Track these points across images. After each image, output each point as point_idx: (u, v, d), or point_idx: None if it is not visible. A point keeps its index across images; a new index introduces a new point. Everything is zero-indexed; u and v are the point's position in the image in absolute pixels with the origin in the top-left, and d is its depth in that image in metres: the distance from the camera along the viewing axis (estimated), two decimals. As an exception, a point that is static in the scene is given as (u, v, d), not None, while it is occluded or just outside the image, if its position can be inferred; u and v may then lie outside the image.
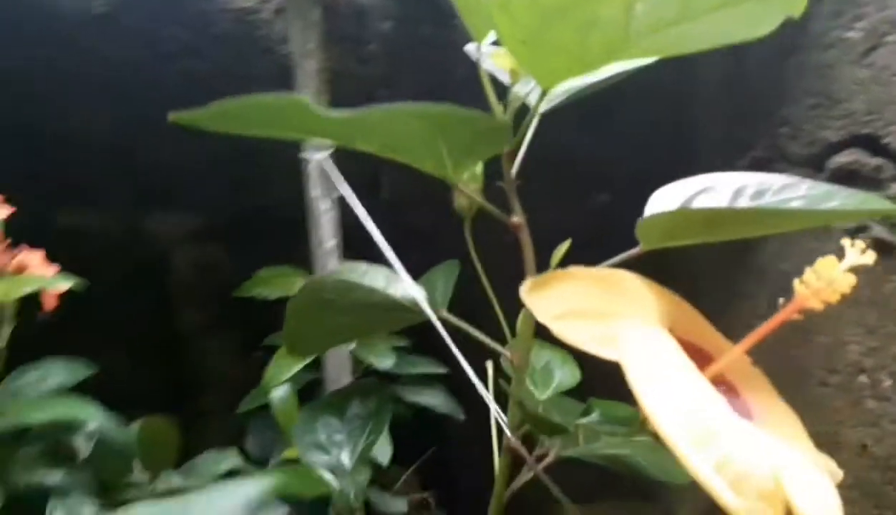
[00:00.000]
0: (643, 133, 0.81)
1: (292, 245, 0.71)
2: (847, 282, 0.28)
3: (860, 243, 0.28)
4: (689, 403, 0.24)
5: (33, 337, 0.51)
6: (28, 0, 0.75)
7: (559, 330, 0.26)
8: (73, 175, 0.83)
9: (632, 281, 0.31)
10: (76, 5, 0.77)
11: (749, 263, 0.71)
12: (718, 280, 0.76)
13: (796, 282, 0.28)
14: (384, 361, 0.69)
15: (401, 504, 0.70)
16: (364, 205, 0.43)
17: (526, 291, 0.28)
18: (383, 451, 0.63)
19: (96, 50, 0.79)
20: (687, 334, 0.32)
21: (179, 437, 0.57)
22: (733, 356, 0.30)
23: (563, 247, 0.40)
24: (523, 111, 0.44)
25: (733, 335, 0.33)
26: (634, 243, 0.34)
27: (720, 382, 0.31)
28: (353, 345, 0.69)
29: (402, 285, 0.41)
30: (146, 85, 0.80)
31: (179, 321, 0.92)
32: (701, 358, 0.32)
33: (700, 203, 0.34)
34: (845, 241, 0.28)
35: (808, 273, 0.28)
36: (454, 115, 0.31)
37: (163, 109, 0.25)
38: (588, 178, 0.87)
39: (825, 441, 0.59)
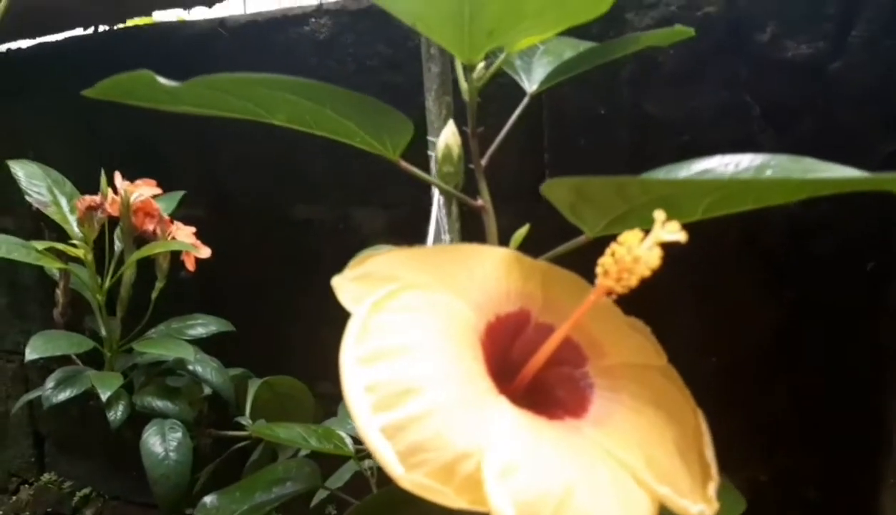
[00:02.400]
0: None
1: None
2: (654, 260, 0.23)
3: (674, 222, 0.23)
4: (396, 366, 0.23)
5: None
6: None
7: (337, 284, 0.27)
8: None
9: (476, 257, 0.30)
10: (310, 36, 0.91)
11: None
12: None
13: (600, 261, 0.24)
14: None
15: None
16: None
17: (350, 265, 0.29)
18: None
19: (319, 69, 0.94)
20: (546, 316, 0.30)
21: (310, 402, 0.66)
22: (552, 342, 0.27)
23: (522, 231, 0.38)
24: (514, 95, 0.43)
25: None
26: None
27: (555, 374, 0.28)
28: None
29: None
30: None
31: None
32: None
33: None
34: (658, 213, 0.23)
35: (613, 247, 0.24)
36: (360, 102, 0.33)
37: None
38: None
39: None
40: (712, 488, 0.27)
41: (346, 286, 0.27)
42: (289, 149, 0.88)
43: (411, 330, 0.24)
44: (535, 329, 0.30)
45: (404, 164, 0.37)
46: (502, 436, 0.23)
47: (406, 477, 0.21)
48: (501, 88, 0.46)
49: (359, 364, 0.23)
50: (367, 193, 0.88)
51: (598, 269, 0.24)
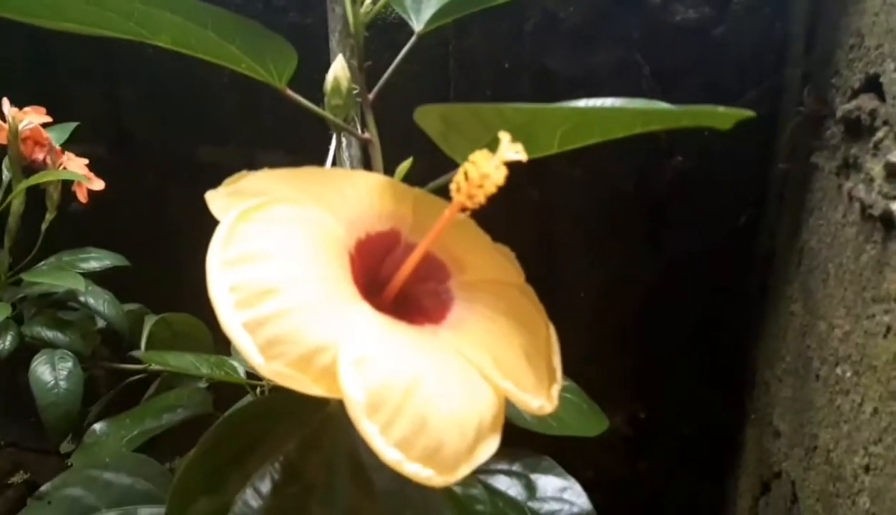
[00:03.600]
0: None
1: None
2: (500, 177, 0.26)
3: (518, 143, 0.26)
4: (258, 269, 0.25)
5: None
6: None
7: (210, 197, 0.28)
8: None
9: (351, 180, 0.31)
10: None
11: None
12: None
13: (454, 179, 0.27)
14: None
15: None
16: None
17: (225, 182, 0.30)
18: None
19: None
20: (415, 236, 0.32)
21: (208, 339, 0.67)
22: (414, 256, 0.29)
23: (406, 164, 0.40)
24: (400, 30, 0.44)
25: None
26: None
27: (419, 287, 0.31)
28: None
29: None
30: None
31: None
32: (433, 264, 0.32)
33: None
34: (502, 134, 0.26)
35: (465, 166, 0.26)
36: (244, 25, 0.34)
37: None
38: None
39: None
40: (555, 389, 0.30)
41: (219, 199, 0.28)
42: (197, 88, 0.86)
43: (276, 237, 0.26)
44: (405, 247, 0.32)
45: (290, 93, 0.38)
46: (359, 332, 0.25)
47: (265, 366, 0.23)
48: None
49: (223, 266, 0.25)
50: (275, 137, 0.87)
51: (452, 186, 0.27)
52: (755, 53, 0.66)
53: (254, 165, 0.88)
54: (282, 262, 0.25)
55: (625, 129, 0.29)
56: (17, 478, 1.06)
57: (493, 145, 0.31)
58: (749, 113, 0.26)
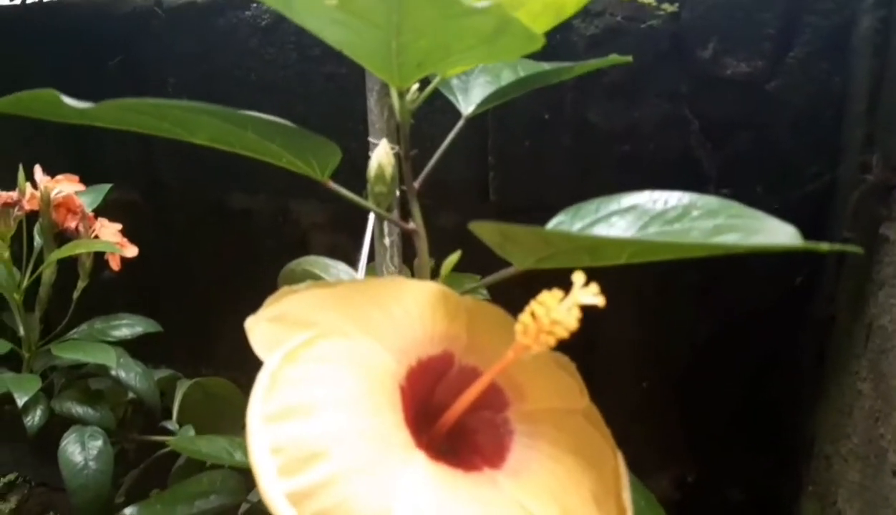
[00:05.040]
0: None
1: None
2: (573, 321, 0.23)
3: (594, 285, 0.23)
4: (304, 426, 0.22)
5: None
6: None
7: (250, 326, 0.26)
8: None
9: (400, 295, 0.29)
10: (250, 22, 0.88)
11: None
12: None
13: (520, 319, 0.24)
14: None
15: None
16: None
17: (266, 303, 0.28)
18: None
19: (259, 54, 0.91)
20: (470, 358, 0.29)
21: (241, 402, 0.65)
22: (472, 391, 0.26)
23: (454, 258, 0.38)
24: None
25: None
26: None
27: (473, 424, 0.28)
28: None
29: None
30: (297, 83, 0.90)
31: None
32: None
33: (610, 224, 0.30)
34: (576, 276, 0.23)
35: (533, 306, 0.24)
36: (284, 127, 0.32)
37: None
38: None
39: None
40: (626, 532, 0.28)
41: (260, 328, 0.26)
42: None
43: (324, 384, 0.24)
44: (459, 371, 0.29)
45: (332, 185, 0.36)
46: (412, 498, 0.22)
47: (309, 544, 0.21)
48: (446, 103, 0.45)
49: (265, 422, 0.22)
50: (308, 185, 0.86)
51: (518, 327, 0.24)
52: (811, 109, 0.63)
53: (286, 214, 0.86)
54: (330, 416, 0.23)
55: (699, 253, 0.26)
56: (47, 518, 1.06)
57: (553, 258, 0.28)
58: (824, 246, 0.23)
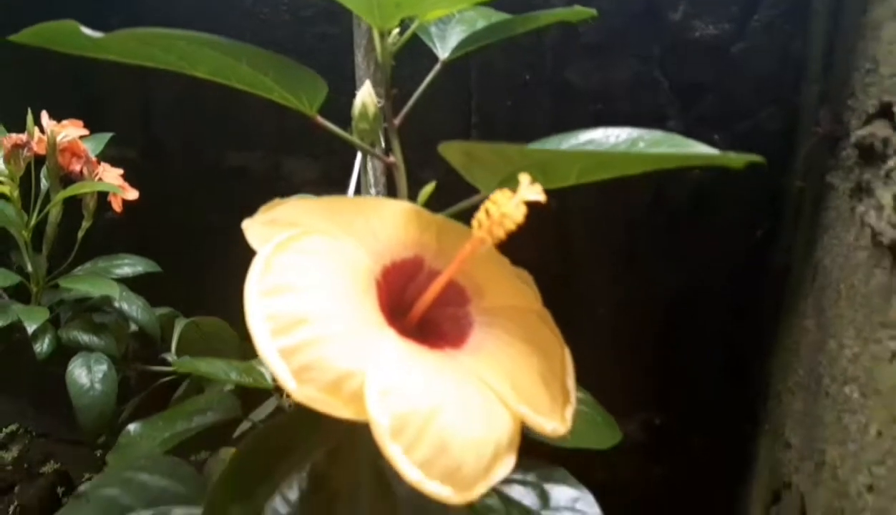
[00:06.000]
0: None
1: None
2: (520, 215, 0.27)
3: (538, 185, 0.27)
4: (292, 299, 0.27)
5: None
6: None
7: (247, 227, 0.30)
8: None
9: (378, 209, 0.33)
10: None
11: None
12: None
13: (475, 216, 0.28)
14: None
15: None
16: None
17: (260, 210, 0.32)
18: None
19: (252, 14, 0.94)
20: (438, 263, 0.34)
21: (236, 342, 0.69)
22: (437, 285, 0.31)
23: (429, 188, 0.42)
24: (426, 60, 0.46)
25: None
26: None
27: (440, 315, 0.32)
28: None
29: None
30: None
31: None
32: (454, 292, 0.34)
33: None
34: (522, 176, 0.27)
35: (485, 205, 0.28)
36: (276, 60, 0.36)
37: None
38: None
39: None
40: (570, 411, 0.32)
41: (255, 228, 0.30)
42: (223, 95, 0.89)
43: (309, 269, 0.28)
44: (427, 274, 0.34)
45: (320, 120, 0.40)
46: (384, 360, 0.27)
47: (298, 391, 0.25)
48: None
49: (261, 296, 0.27)
50: (300, 143, 0.89)
51: (473, 223, 0.28)
52: (774, 70, 0.67)
53: (280, 170, 0.90)
54: (314, 294, 0.27)
55: (639, 168, 0.30)
56: (48, 468, 1.10)
57: (513, 178, 0.32)
58: (758, 158, 0.27)
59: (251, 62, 0.35)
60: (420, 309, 0.32)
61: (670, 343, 0.80)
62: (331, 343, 0.26)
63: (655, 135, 0.33)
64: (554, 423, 0.30)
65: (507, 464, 0.28)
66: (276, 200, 0.32)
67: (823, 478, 0.50)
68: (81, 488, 0.45)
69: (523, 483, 0.50)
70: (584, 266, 0.79)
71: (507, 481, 0.49)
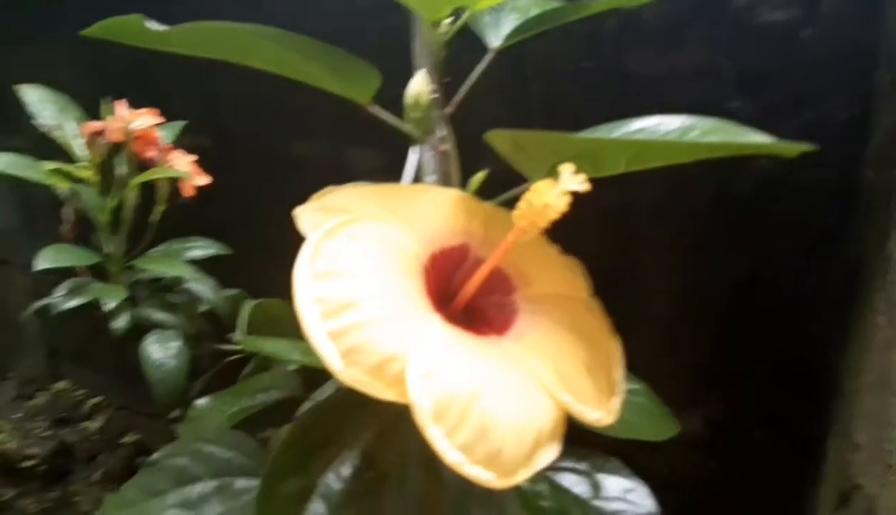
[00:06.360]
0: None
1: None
2: (562, 205, 0.28)
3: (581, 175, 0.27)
4: (341, 284, 0.28)
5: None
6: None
7: (299, 213, 0.32)
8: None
9: (428, 196, 0.34)
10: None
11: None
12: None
13: (517, 206, 0.29)
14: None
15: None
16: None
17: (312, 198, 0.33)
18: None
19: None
20: (484, 251, 0.34)
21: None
22: (482, 272, 0.31)
23: (481, 175, 0.43)
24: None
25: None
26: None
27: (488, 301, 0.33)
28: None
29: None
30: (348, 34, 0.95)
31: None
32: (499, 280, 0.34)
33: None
34: (564, 166, 0.28)
35: (528, 195, 0.28)
36: (330, 51, 0.37)
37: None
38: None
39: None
40: (615, 402, 0.32)
41: (307, 215, 0.32)
42: (287, 86, 0.91)
43: (358, 254, 0.29)
44: (473, 262, 0.34)
45: (374, 109, 0.41)
46: (427, 344, 0.28)
47: (344, 372, 0.26)
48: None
49: (310, 280, 0.28)
50: (362, 133, 0.91)
51: (515, 212, 0.29)
52: (845, 56, 0.64)
53: (342, 159, 0.92)
54: (362, 278, 0.28)
55: (691, 156, 0.30)
56: (128, 439, 1.16)
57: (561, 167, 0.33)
58: (812, 147, 0.27)
59: (307, 53, 0.36)
60: (465, 295, 0.32)
61: (732, 337, 0.78)
62: (377, 326, 0.27)
63: (709, 123, 0.33)
64: (598, 413, 0.30)
65: (550, 452, 0.28)
66: (329, 188, 0.34)
67: (891, 481, 0.48)
68: (154, 456, 0.48)
69: (575, 471, 0.50)
70: (643, 257, 0.78)
71: (559, 469, 0.50)
